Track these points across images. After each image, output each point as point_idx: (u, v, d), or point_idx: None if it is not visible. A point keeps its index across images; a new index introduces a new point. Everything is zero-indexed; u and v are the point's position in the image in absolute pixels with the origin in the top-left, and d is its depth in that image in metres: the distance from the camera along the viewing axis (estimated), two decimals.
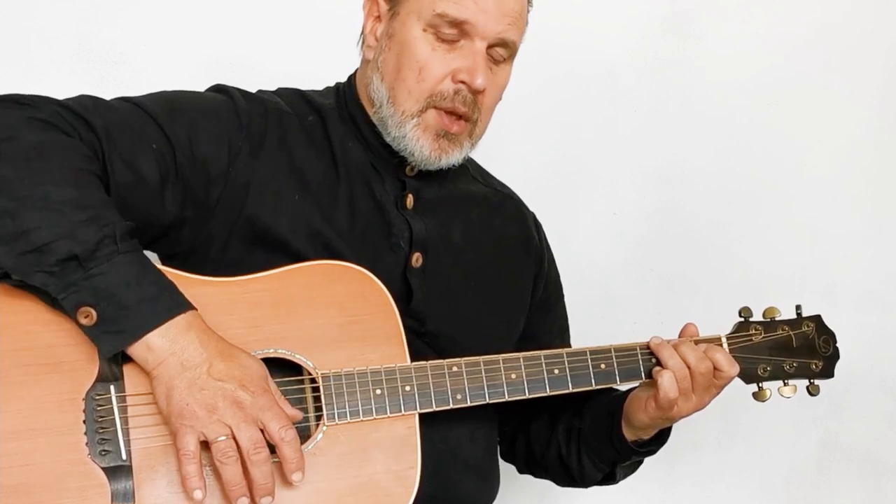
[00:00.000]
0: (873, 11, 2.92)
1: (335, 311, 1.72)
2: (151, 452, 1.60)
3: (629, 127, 2.85)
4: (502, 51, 1.87)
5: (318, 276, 1.74)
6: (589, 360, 1.87)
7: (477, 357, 1.80)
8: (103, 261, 1.53)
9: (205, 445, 1.56)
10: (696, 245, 2.88)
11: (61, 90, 1.88)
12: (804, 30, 2.89)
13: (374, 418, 1.71)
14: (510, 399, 1.82)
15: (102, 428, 1.59)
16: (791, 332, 2.01)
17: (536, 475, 2.22)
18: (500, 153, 2.31)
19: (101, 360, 1.60)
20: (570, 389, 1.85)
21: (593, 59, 2.82)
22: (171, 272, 1.63)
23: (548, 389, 1.83)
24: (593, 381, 1.87)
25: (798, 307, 2.03)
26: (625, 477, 2.10)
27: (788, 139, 2.90)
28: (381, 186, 1.92)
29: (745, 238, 2.90)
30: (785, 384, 2.00)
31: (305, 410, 1.72)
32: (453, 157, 1.89)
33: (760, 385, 1.98)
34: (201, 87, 1.94)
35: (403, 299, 1.86)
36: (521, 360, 1.83)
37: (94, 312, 1.53)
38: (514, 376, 1.82)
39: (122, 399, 1.60)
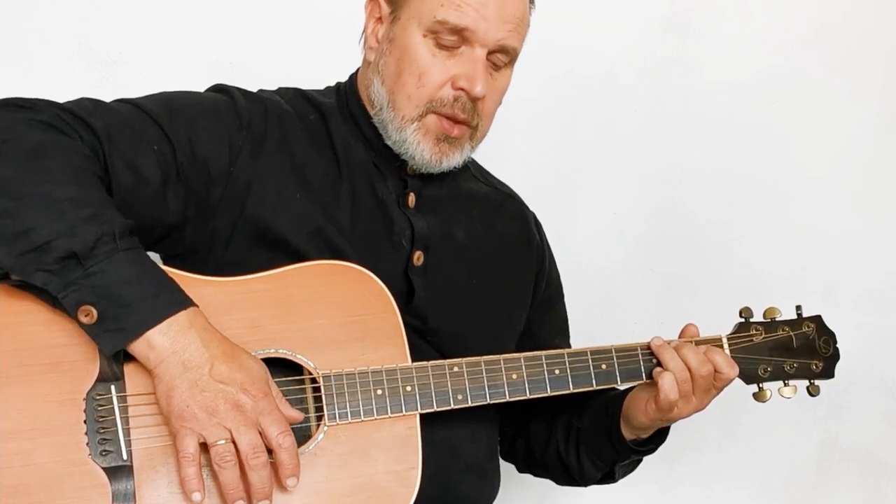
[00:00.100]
0: (872, 11, 2.92)
1: (336, 311, 1.72)
2: (152, 453, 1.60)
3: (628, 127, 2.85)
4: (503, 57, 1.87)
5: (319, 275, 1.74)
6: (590, 361, 1.87)
7: (478, 357, 1.80)
8: (103, 259, 1.53)
9: (204, 447, 1.56)
10: (695, 245, 2.88)
11: (61, 90, 1.89)
12: (803, 30, 2.89)
13: (375, 418, 1.71)
14: (511, 399, 1.82)
15: (103, 428, 1.59)
16: (791, 333, 2.01)
17: (536, 474, 2.22)
18: (500, 153, 2.31)
19: (101, 360, 1.60)
20: (571, 390, 1.85)
21: (592, 59, 2.82)
22: (172, 272, 1.63)
23: (549, 390, 1.84)
24: (594, 381, 1.87)
25: (798, 307, 2.04)
26: (624, 476, 2.10)
27: (788, 139, 2.90)
28: (383, 185, 1.92)
29: (745, 238, 2.90)
30: (785, 384, 2.00)
31: (306, 410, 1.72)
32: (454, 160, 1.90)
33: (761, 385, 1.98)
34: (201, 87, 1.94)
35: (405, 297, 1.87)
36: (522, 360, 1.83)
37: (94, 311, 1.53)
38: (515, 376, 1.82)
39: (122, 399, 1.60)
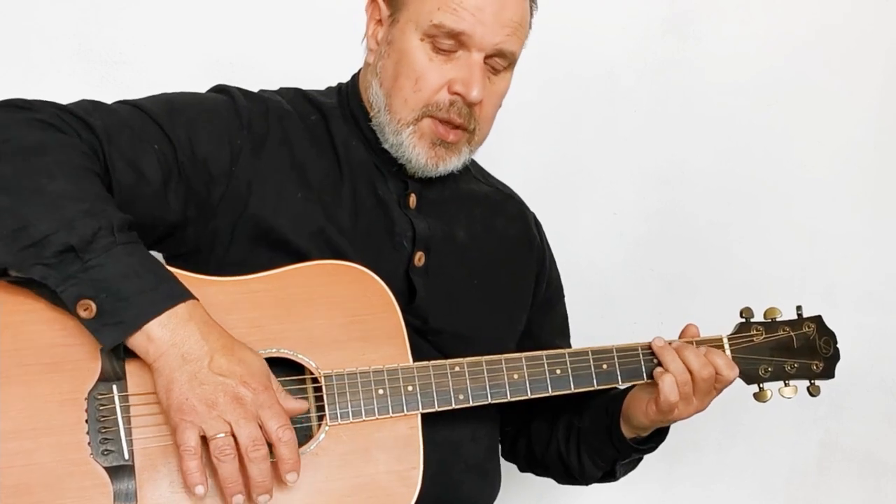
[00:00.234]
0: (873, 12, 2.93)
1: (337, 310, 1.72)
2: (154, 452, 1.59)
3: (629, 128, 2.85)
4: (501, 61, 1.87)
5: (320, 275, 1.74)
6: (591, 361, 1.87)
7: (479, 357, 1.80)
8: (101, 252, 1.53)
9: (204, 440, 1.55)
10: (695, 246, 2.89)
11: (61, 90, 1.90)
12: (804, 31, 2.90)
13: (377, 418, 1.71)
14: (512, 399, 1.82)
15: (105, 428, 1.58)
16: (792, 333, 2.01)
17: (538, 474, 2.22)
18: (501, 154, 2.31)
19: (103, 360, 1.59)
20: (573, 390, 1.85)
21: (593, 61, 2.82)
22: (174, 272, 1.63)
23: (550, 390, 1.84)
24: (595, 381, 1.87)
25: (799, 308, 2.04)
26: (625, 474, 2.11)
27: (788, 140, 2.91)
28: (385, 185, 1.92)
29: (745, 239, 2.91)
30: (786, 385, 2.00)
31: (308, 410, 1.71)
32: (451, 164, 1.90)
33: (761, 386, 1.99)
34: (201, 87, 1.94)
35: (406, 298, 1.87)
36: (524, 360, 1.83)
37: (93, 305, 1.52)
38: (516, 376, 1.82)
39: (124, 399, 1.60)
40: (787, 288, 2.89)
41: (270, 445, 1.57)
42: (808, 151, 2.92)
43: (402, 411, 1.73)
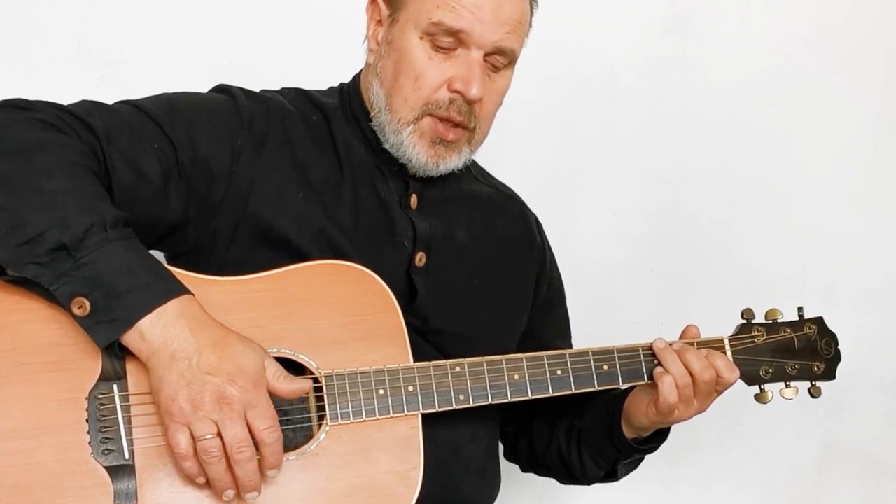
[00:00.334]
0: (873, 11, 2.92)
1: (338, 310, 1.72)
2: (154, 452, 1.59)
3: (629, 127, 2.85)
4: (501, 58, 1.87)
5: (320, 275, 1.74)
6: (592, 362, 1.87)
7: (480, 357, 1.80)
8: (93, 249, 1.52)
9: None
10: (696, 245, 2.88)
11: (61, 90, 1.90)
12: (804, 30, 2.89)
13: (377, 418, 1.71)
14: (513, 400, 1.82)
15: (105, 427, 1.58)
16: (793, 334, 2.01)
17: (540, 474, 2.22)
18: (501, 153, 2.31)
19: (103, 359, 1.59)
20: (573, 390, 1.85)
21: (593, 59, 2.82)
22: (174, 271, 1.63)
23: (551, 390, 1.83)
24: (596, 382, 1.86)
25: (800, 309, 2.04)
26: (626, 474, 2.11)
27: (788, 139, 2.90)
28: (386, 185, 1.93)
29: (745, 238, 2.90)
30: (787, 386, 2.00)
31: (308, 410, 1.72)
32: (451, 163, 1.90)
33: (762, 387, 1.98)
34: (201, 87, 1.94)
35: (407, 298, 1.87)
36: (524, 360, 1.83)
37: (87, 303, 1.52)
38: (516, 377, 1.82)
39: (125, 398, 1.60)
40: (788, 287, 2.89)
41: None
42: (809, 150, 2.92)
43: (403, 411, 1.72)
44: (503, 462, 2.14)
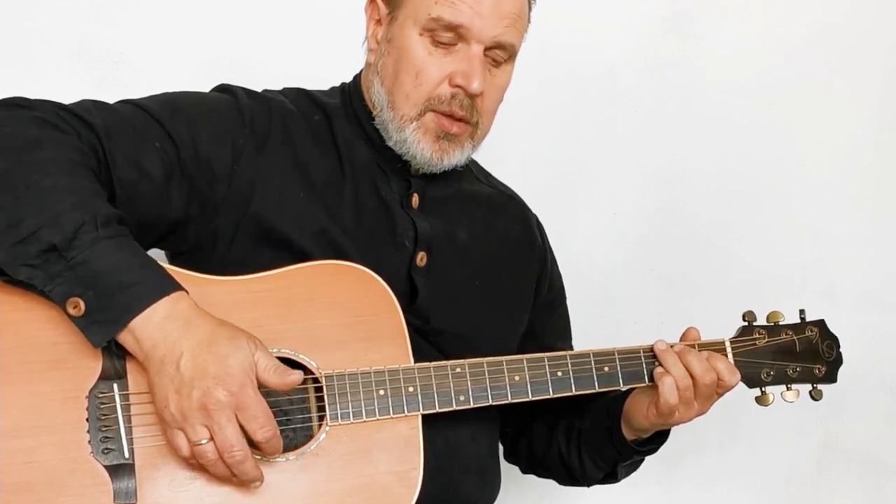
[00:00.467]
0: (873, 11, 2.93)
1: (339, 311, 1.72)
2: (154, 451, 1.60)
3: (629, 127, 2.85)
4: (501, 53, 1.87)
5: (321, 275, 1.74)
6: (592, 363, 1.86)
7: (480, 358, 1.80)
8: (85, 248, 1.52)
9: None
10: (696, 245, 2.88)
11: (61, 90, 1.89)
12: (804, 30, 2.90)
13: (378, 419, 1.71)
14: (513, 401, 1.81)
15: (105, 426, 1.59)
16: (794, 337, 2.00)
17: (539, 475, 2.22)
18: (501, 153, 2.31)
19: (104, 358, 1.60)
20: (574, 392, 1.85)
21: (593, 59, 2.82)
22: (175, 270, 1.63)
23: (551, 392, 1.83)
24: (596, 383, 1.86)
25: (802, 311, 2.03)
26: (626, 475, 2.11)
27: (788, 139, 2.90)
28: (387, 185, 1.93)
29: (745, 238, 2.90)
30: (788, 388, 1.99)
31: (308, 410, 1.71)
32: (455, 158, 1.89)
33: (763, 389, 1.98)
34: (201, 87, 1.94)
35: (408, 298, 1.87)
36: (525, 361, 1.83)
37: (81, 303, 1.52)
38: (517, 378, 1.81)
39: (125, 397, 1.60)
40: (788, 287, 2.89)
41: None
42: (809, 150, 2.92)
43: (403, 412, 1.72)
44: (503, 462, 2.14)
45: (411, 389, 1.73)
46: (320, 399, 1.70)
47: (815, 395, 2.02)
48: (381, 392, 1.72)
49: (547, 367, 1.83)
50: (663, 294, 2.88)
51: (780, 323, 2.01)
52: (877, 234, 2.96)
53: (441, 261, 1.94)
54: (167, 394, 1.53)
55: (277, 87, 1.99)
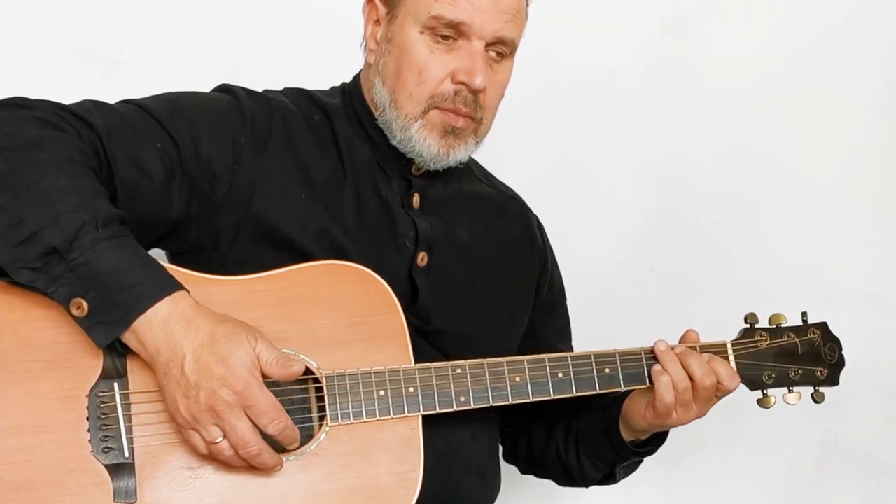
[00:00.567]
0: (875, 14, 2.92)
1: (340, 311, 1.72)
2: (154, 450, 1.60)
3: (630, 128, 2.85)
4: (502, 48, 1.88)
5: (322, 276, 1.74)
6: (593, 365, 1.86)
7: (481, 360, 1.80)
8: (86, 249, 1.52)
9: None
10: (696, 246, 2.88)
11: (61, 90, 1.89)
12: (805, 32, 2.89)
13: (378, 419, 1.71)
14: (514, 402, 1.81)
15: (106, 425, 1.59)
16: (796, 339, 2.00)
17: (538, 475, 2.22)
18: (502, 154, 2.31)
19: (105, 357, 1.60)
20: (574, 393, 1.85)
21: (594, 61, 2.82)
22: (176, 270, 1.64)
23: (552, 393, 1.83)
24: (597, 385, 1.86)
25: (804, 314, 2.03)
26: (625, 476, 2.11)
27: (789, 141, 2.90)
28: (388, 185, 1.93)
29: (746, 240, 2.90)
30: (790, 391, 1.99)
31: (309, 410, 1.71)
32: (460, 154, 1.90)
33: (765, 392, 1.98)
34: (201, 87, 1.94)
35: (409, 298, 1.87)
36: (526, 362, 1.82)
37: (84, 303, 1.53)
38: (518, 379, 1.81)
39: (125, 396, 1.60)
40: (788, 289, 2.89)
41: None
42: (810, 153, 2.91)
43: (403, 412, 1.72)
44: (503, 462, 2.14)
45: (412, 390, 1.73)
46: (321, 399, 1.70)
47: (817, 398, 2.01)
48: (382, 392, 1.71)
49: (548, 368, 1.83)
50: (663, 294, 2.87)
51: (782, 325, 2.00)
52: (878, 237, 2.96)
53: (442, 261, 1.94)
54: (176, 397, 1.55)
55: (277, 87, 1.99)
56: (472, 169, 2.09)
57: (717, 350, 1.93)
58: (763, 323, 2.00)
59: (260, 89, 1.95)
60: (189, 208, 1.77)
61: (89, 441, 1.57)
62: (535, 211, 2.19)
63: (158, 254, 1.74)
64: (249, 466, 1.59)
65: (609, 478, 2.08)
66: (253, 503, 1.62)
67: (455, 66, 1.84)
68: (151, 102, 1.80)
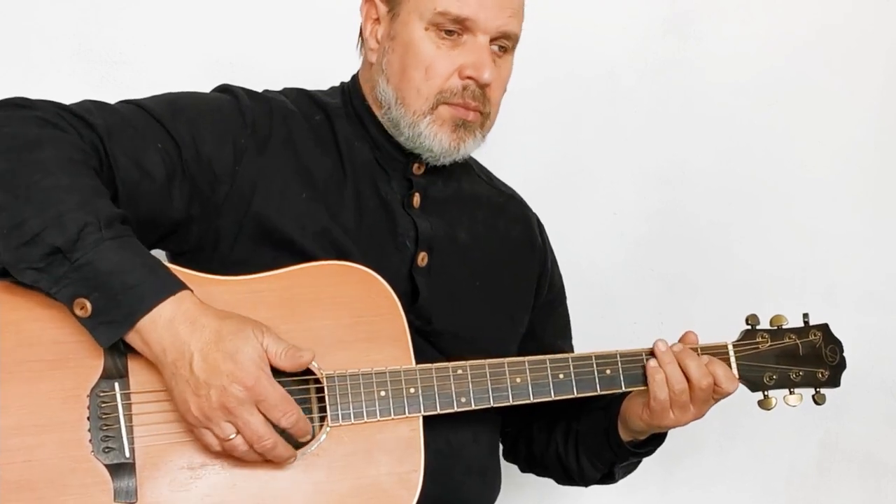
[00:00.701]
0: (874, 12, 2.92)
1: (341, 311, 1.72)
2: (155, 450, 1.60)
3: (629, 128, 2.85)
4: (506, 42, 1.89)
5: (324, 276, 1.74)
6: (594, 366, 1.86)
7: (482, 360, 1.80)
8: (89, 249, 1.53)
9: None
10: (696, 246, 2.88)
11: (61, 90, 1.89)
12: (804, 31, 2.89)
13: (378, 420, 1.71)
14: (515, 403, 1.81)
15: (106, 425, 1.59)
16: (798, 341, 1.99)
17: (538, 474, 2.22)
18: (501, 153, 2.30)
19: (106, 357, 1.60)
20: (575, 394, 1.85)
21: (594, 61, 2.82)
22: (178, 270, 1.63)
23: (553, 394, 1.83)
24: (598, 386, 1.86)
25: (805, 315, 2.02)
26: (624, 476, 2.11)
27: (789, 140, 2.90)
28: (388, 185, 1.93)
29: (746, 239, 2.90)
30: (791, 392, 1.99)
31: (310, 411, 1.71)
32: (469, 147, 1.90)
33: (766, 393, 1.97)
34: (201, 87, 1.94)
35: (409, 298, 1.87)
36: (527, 363, 1.82)
37: (88, 304, 1.53)
38: (518, 380, 1.81)
39: (126, 396, 1.60)
40: (788, 288, 2.89)
41: None
42: (809, 151, 2.91)
43: (404, 413, 1.72)
44: (503, 462, 2.14)
45: (412, 391, 1.73)
46: (321, 399, 1.70)
47: (818, 400, 2.01)
48: (383, 393, 1.71)
49: (548, 368, 1.83)
50: (663, 295, 2.87)
51: (784, 327, 2.00)
52: (877, 235, 2.96)
53: (442, 261, 1.94)
54: (186, 397, 1.55)
55: (277, 87, 1.99)
56: (472, 167, 2.09)
57: (719, 351, 1.93)
58: (764, 324, 2.00)
59: (260, 89, 1.95)
60: (190, 208, 1.77)
61: (90, 441, 1.57)
62: (535, 210, 2.19)
63: (159, 254, 1.74)
64: (264, 461, 1.60)
65: (608, 478, 2.09)
66: (253, 503, 1.62)
67: (462, 61, 1.85)
68: (152, 103, 1.80)
